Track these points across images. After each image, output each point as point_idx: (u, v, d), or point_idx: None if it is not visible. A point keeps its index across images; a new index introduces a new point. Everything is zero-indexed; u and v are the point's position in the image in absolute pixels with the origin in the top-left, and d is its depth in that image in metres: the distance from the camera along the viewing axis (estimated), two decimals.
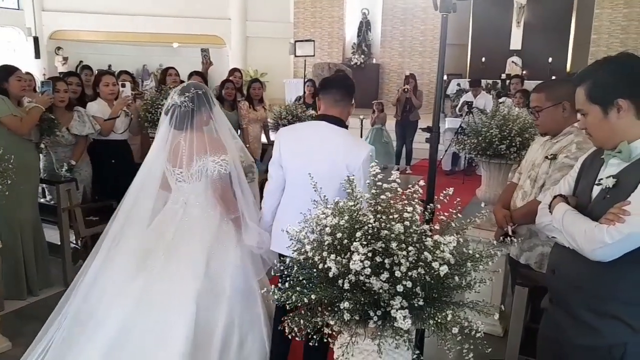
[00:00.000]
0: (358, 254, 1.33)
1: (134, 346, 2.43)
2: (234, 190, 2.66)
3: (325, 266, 1.35)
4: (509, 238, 2.70)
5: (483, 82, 10.34)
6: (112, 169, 4.68)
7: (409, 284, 1.30)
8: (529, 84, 9.64)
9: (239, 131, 6.08)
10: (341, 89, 2.47)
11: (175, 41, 16.31)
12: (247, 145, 5.89)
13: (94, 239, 4.51)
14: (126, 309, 2.47)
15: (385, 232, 1.38)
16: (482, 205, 3.72)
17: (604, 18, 12.59)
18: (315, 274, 1.40)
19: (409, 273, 1.31)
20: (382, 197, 1.46)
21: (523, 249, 2.64)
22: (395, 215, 1.43)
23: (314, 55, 8.95)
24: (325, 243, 1.41)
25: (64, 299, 2.65)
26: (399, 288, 1.30)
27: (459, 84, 12.05)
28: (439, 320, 1.31)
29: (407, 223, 1.40)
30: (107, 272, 2.60)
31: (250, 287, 2.70)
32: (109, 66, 14.67)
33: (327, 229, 1.41)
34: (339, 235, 1.40)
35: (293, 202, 2.44)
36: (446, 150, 8.49)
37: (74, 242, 4.40)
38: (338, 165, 2.33)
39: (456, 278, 1.37)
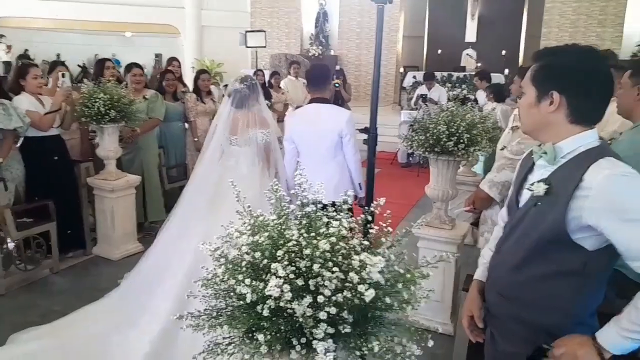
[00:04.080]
0: (276, 277, 1.18)
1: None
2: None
3: (242, 292, 1.20)
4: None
5: (438, 74, 10.32)
6: (48, 166, 4.38)
7: (333, 310, 1.16)
8: (495, 78, 9.54)
9: (185, 124, 5.84)
10: (322, 81, 3.65)
11: (128, 30, 15.64)
12: (196, 139, 5.66)
13: (27, 242, 4.25)
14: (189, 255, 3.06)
15: (308, 250, 1.23)
16: (433, 203, 3.69)
17: (554, 12, 12.84)
18: (233, 300, 1.25)
19: (334, 297, 1.18)
20: (307, 209, 1.31)
21: (480, 233, 2.65)
22: (321, 230, 1.29)
23: (265, 47, 8.70)
24: (243, 263, 1.26)
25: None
26: (322, 315, 1.16)
27: (414, 77, 11.97)
28: (366, 352, 1.18)
29: (333, 239, 1.26)
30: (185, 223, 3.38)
31: None
32: (58, 55, 13.94)
33: (244, 248, 1.26)
34: (257, 254, 1.25)
35: (306, 162, 3.54)
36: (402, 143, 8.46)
37: (4, 246, 4.10)
38: (330, 128, 3.48)
39: (387, 299, 1.24)
